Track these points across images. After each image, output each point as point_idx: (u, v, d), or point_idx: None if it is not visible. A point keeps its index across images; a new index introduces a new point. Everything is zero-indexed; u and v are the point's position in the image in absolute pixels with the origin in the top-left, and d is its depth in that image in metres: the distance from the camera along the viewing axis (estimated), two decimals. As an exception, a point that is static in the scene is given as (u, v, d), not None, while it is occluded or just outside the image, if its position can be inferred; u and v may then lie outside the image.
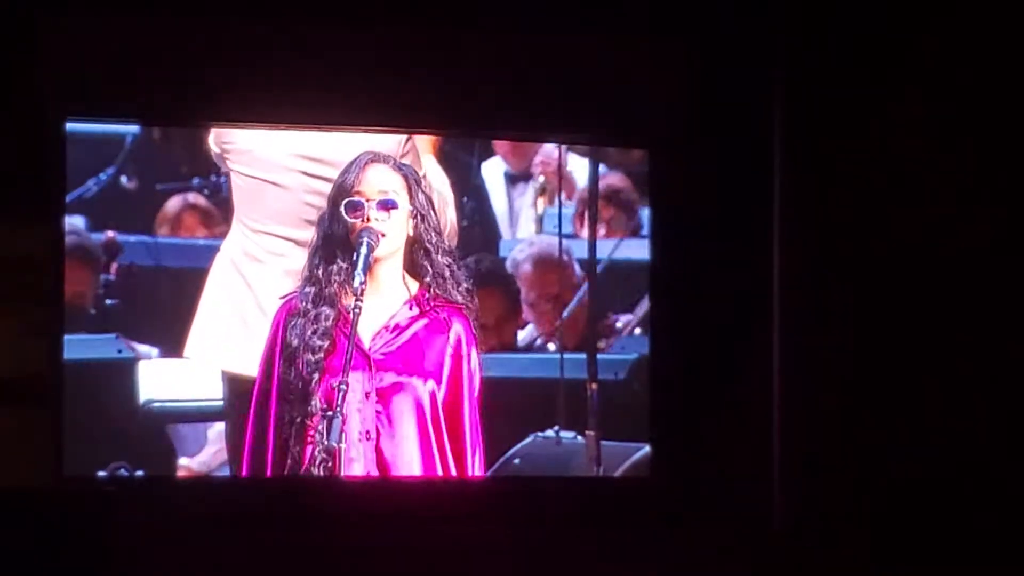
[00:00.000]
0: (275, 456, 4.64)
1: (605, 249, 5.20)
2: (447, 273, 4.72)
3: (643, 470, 5.16)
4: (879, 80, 5.28)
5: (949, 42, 5.27)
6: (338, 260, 4.66)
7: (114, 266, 5.04)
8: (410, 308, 4.71)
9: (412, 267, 4.72)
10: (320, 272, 4.67)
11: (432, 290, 4.70)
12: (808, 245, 5.27)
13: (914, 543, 5.17)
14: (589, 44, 5.21)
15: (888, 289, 5.27)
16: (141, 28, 4.95)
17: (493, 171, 5.37)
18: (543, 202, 5.33)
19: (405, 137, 4.95)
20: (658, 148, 5.26)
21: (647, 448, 5.17)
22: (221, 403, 4.93)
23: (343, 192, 4.66)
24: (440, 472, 4.69)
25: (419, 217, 4.69)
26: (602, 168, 5.23)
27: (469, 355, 4.71)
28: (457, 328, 4.71)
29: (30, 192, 4.88)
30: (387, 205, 4.67)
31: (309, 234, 4.76)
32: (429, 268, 4.70)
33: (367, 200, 4.65)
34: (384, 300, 4.70)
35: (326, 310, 4.65)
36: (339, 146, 4.86)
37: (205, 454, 5.02)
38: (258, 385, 4.69)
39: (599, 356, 5.16)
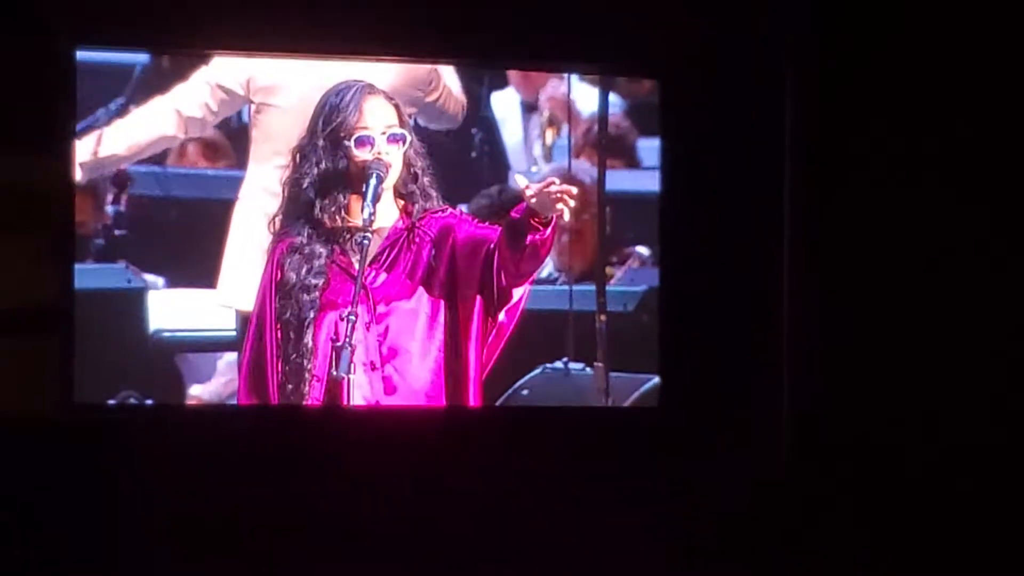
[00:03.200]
0: (278, 392, 4.66)
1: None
2: (433, 193, 4.74)
3: (652, 401, 5.16)
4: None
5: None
6: (338, 195, 4.66)
7: (124, 197, 5.05)
8: (398, 231, 4.72)
9: (399, 191, 4.73)
10: (317, 208, 4.66)
11: (419, 209, 4.71)
12: (820, 174, 5.26)
13: (913, 479, 5.18)
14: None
15: (901, 219, 5.25)
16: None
17: (507, 102, 5.36)
18: (551, 134, 5.33)
19: (430, 72, 4.96)
20: (669, 78, 5.24)
21: (656, 379, 5.18)
22: (230, 333, 4.94)
23: (346, 128, 4.64)
24: (450, 395, 4.71)
25: (408, 142, 4.70)
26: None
27: (465, 250, 4.69)
28: (446, 234, 4.71)
29: (40, 122, 4.87)
30: (397, 139, 4.68)
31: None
32: (417, 191, 4.72)
33: (376, 134, 4.65)
34: (377, 227, 4.68)
35: (319, 248, 4.66)
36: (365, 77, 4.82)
37: (215, 384, 5.03)
38: (254, 321, 4.69)
39: (608, 288, 5.16)
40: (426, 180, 4.72)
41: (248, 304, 4.77)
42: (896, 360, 5.24)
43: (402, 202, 4.72)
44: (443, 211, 4.74)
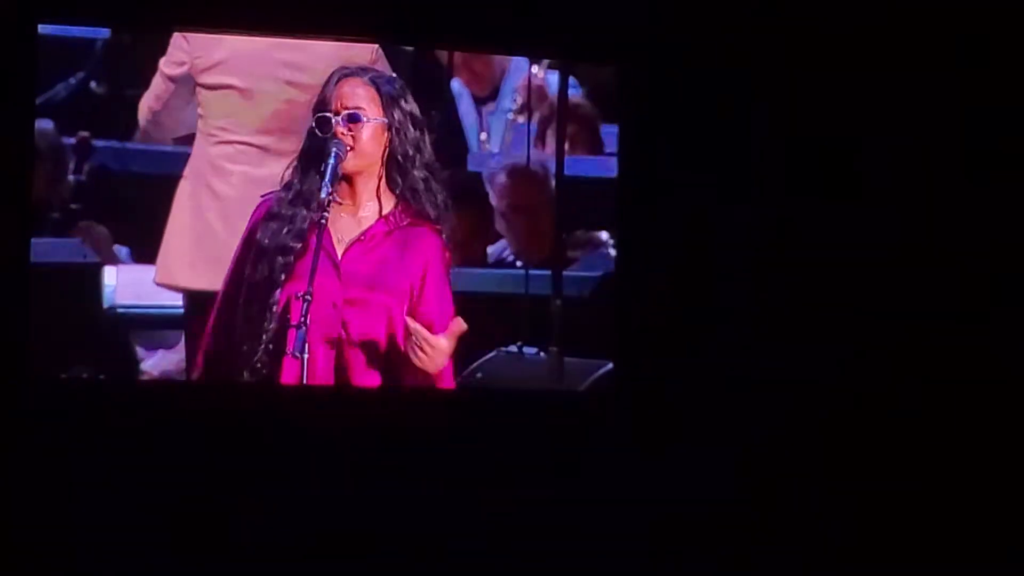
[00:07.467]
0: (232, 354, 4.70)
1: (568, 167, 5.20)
2: (421, 187, 4.72)
3: (606, 387, 5.17)
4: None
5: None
6: (312, 171, 4.69)
7: (85, 167, 5.04)
8: (383, 224, 4.73)
9: (388, 182, 4.73)
10: (297, 180, 4.71)
11: (404, 206, 4.72)
12: (780, 160, 5.26)
13: (875, 460, 5.24)
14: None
15: (863, 205, 5.27)
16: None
17: (461, 94, 5.36)
18: (520, 120, 5.34)
19: (374, 48, 4.93)
20: (629, 62, 5.23)
21: (610, 365, 5.18)
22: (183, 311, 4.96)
23: (318, 107, 4.70)
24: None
25: (393, 131, 4.70)
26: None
27: (436, 277, 4.73)
28: (426, 249, 4.73)
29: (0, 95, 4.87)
30: (352, 119, 4.68)
31: (277, 140, 4.80)
32: (400, 182, 4.71)
33: (335, 114, 4.67)
34: (361, 213, 4.72)
35: (302, 211, 4.68)
36: (318, 53, 4.85)
37: (168, 361, 5.05)
38: (226, 284, 4.71)
39: (565, 273, 5.17)
40: (418, 174, 4.71)
41: (188, 283, 4.81)
42: (858, 348, 5.27)
43: (391, 198, 4.72)
44: (426, 225, 4.74)
